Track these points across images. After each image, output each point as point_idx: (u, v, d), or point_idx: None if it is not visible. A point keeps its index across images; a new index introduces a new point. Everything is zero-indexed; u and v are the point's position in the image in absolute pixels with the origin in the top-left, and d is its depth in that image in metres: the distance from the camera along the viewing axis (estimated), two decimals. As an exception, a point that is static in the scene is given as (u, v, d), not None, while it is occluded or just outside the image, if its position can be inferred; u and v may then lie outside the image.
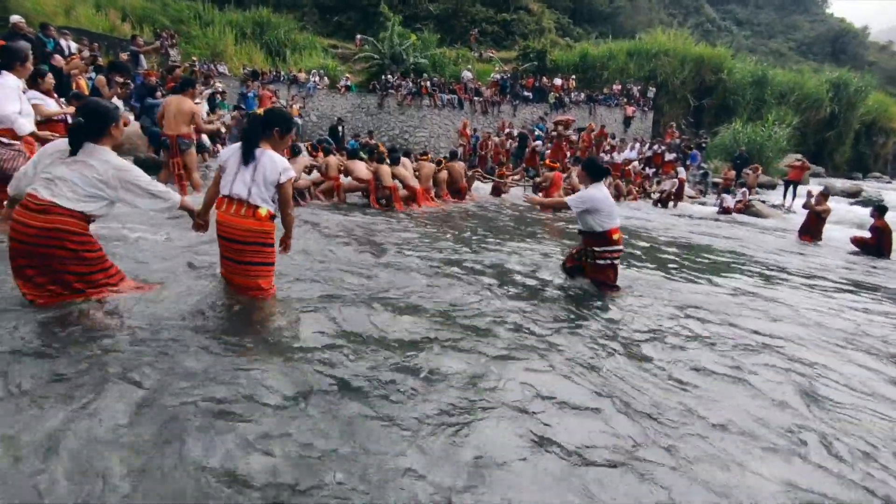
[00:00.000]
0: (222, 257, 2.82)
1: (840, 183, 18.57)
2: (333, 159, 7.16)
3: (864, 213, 12.70)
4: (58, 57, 6.76)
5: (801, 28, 64.45)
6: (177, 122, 5.58)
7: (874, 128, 27.53)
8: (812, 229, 7.59)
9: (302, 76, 20.39)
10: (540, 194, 8.60)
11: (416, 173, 7.85)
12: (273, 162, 2.63)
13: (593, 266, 3.75)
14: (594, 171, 3.73)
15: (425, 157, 8.41)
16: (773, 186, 16.99)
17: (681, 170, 11.63)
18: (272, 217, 2.69)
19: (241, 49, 23.86)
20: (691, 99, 22.80)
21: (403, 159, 7.64)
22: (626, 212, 9.74)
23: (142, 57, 8.26)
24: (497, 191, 10.00)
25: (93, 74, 6.94)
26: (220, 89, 10.52)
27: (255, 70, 19.87)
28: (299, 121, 17.01)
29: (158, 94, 6.68)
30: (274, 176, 2.62)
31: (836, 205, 15.12)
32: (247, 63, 22.05)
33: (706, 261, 5.65)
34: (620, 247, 3.72)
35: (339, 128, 14.75)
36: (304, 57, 24.28)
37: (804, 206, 7.76)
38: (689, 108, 22.93)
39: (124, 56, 9.54)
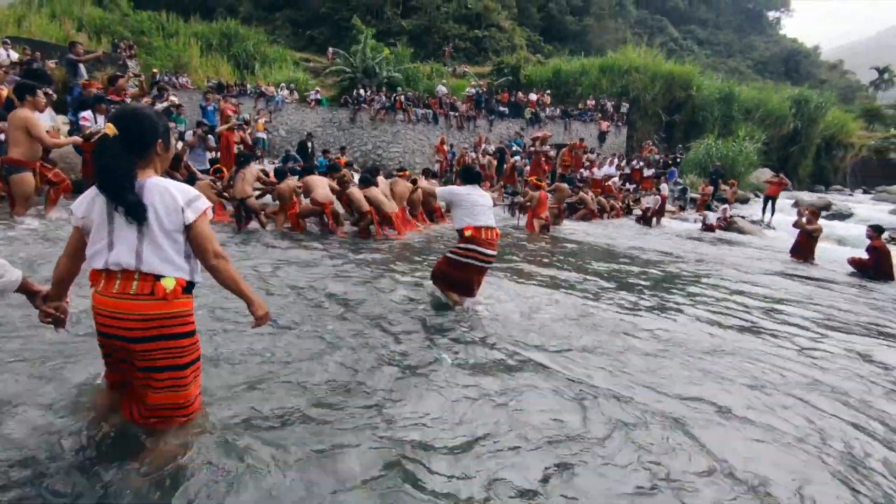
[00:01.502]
0: (108, 363, 1.79)
1: (808, 196, 18.95)
2: (286, 186, 6.24)
3: (840, 227, 12.87)
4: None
5: (757, 48, 67.70)
6: (8, 140, 4.50)
7: (833, 142, 28.62)
8: (804, 249, 7.39)
9: (270, 89, 19.65)
10: (526, 214, 8.13)
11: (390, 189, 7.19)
12: (168, 194, 1.63)
13: (445, 259, 3.71)
14: (467, 177, 3.89)
15: (403, 174, 7.68)
16: (745, 201, 17.15)
17: (663, 186, 11.46)
18: (188, 287, 1.69)
19: (207, 61, 23.00)
20: (663, 115, 23.14)
21: (379, 179, 6.89)
22: (609, 231, 9.41)
23: (81, 67, 7.43)
24: None
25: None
26: (176, 103, 9.73)
27: (220, 82, 19.05)
28: (265, 135, 16.24)
29: (103, 107, 5.91)
30: (175, 217, 1.62)
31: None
32: (212, 76, 21.19)
33: (705, 290, 5.25)
34: (480, 248, 3.60)
35: (309, 143, 14.07)
36: (273, 70, 23.59)
37: (795, 226, 7.57)
38: (660, 123, 23.26)
39: (51, 64, 8.66)
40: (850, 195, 24.63)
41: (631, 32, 53.95)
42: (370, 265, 4.83)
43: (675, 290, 4.96)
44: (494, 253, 3.72)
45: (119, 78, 6.88)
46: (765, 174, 21.36)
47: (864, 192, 26.80)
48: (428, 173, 8.40)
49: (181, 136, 7.42)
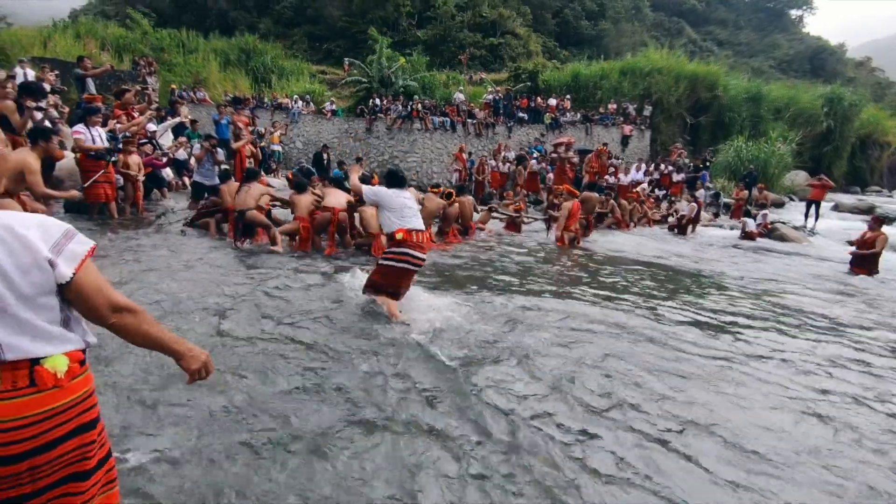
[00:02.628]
0: None
1: (847, 198, 17.95)
2: (305, 198, 5.73)
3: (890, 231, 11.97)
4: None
5: (780, 47, 66.00)
6: None
7: (868, 141, 27.34)
8: (867, 261, 6.70)
9: (286, 101, 19.61)
10: (554, 226, 7.63)
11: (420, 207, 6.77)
12: (18, 242, 1.09)
13: (378, 268, 3.65)
14: (392, 181, 3.89)
15: (436, 190, 7.24)
16: (781, 204, 16.29)
17: (700, 192, 10.80)
18: (83, 362, 1.22)
19: (226, 76, 23.26)
20: (687, 117, 22.35)
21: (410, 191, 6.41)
22: (645, 241, 8.82)
23: (89, 81, 7.27)
24: (513, 225, 8.92)
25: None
26: (188, 118, 9.58)
27: (236, 96, 19.11)
28: (280, 148, 16.11)
29: (95, 118, 5.69)
30: (37, 276, 1.10)
31: (851, 223, 14.46)
32: (230, 90, 21.33)
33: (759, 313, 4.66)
34: (412, 251, 3.54)
35: (325, 155, 13.83)
36: (290, 83, 23.68)
37: (852, 244, 6.82)
38: (685, 125, 22.47)
39: (51, 77, 8.49)
40: (889, 196, 23.42)
41: (648, 36, 53.15)
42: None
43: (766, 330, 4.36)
44: (425, 257, 3.69)
45: (126, 91, 6.69)
46: (799, 176, 20.41)
47: (907, 191, 25.54)
48: (462, 190, 7.95)
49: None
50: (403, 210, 3.66)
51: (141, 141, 7.44)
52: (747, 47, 64.13)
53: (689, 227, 10.18)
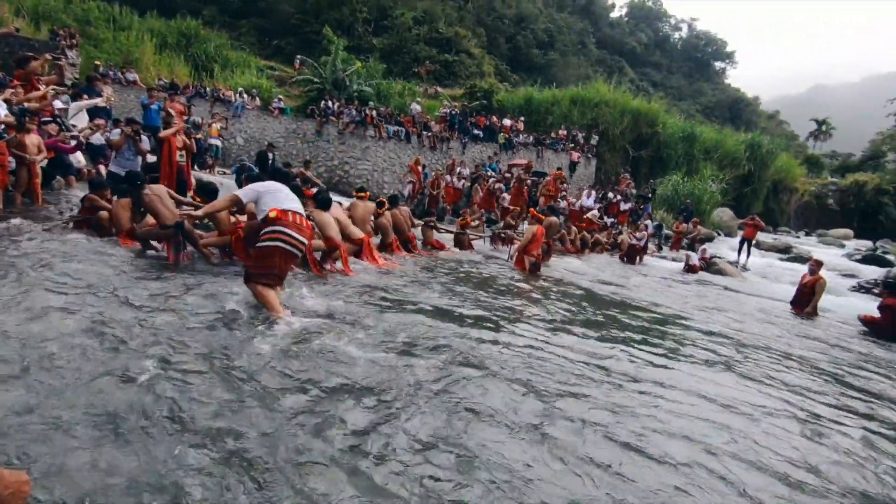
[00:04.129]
0: None
1: (765, 237, 19.50)
2: (329, 217, 5.20)
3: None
4: None
5: (705, 94, 72.58)
6: None
7: (780, 186, 30.30)
8: (804, 301, 7.03)
9: (228, 93, 18.28)
10: (510, 246, 7.38)
11: (348, 215, 6.06)
12: None
13: (254, 252, 3.46)
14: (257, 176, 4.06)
15: (363, 195, 6.60)
16: (711, 239, 17.33)
17: (649, 223, 11.12)
18: None
19: (162, 59, 21.39)
20: (630, 149, 23.52)
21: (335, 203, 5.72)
22: (600, 271, 8.81)
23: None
24: (460, 243, 8.53)
25: None
26: (111, 99, 8.40)
27: (173, 82, 17.57)
28: (219, 142, 14.85)
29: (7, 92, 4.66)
30: None
31: (773, 261, 15.68)
32: (165, 75, 19.60)
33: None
34: (288, 230, 3.38)
35: (270, 154, 12.82)
36: (235, 75, 22.22)
37: (802, 284, 7.13)
38: (627, 157, 23.61)
39: None
40: (796, 237, 25.89)
41: (592, 70, 56.23)
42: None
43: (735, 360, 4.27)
44: (303, 239, 3.48)
45: (30, 59, 5.59)
46: (725, 213, 22.00)
47: (807, 234, 28.41)
48: (395, 201, 7.26)
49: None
50: (277, 194, 3.57)
51: (44, 119, 6.31)
52: (678, 91, 69.77)
53: (638, 257, 10.41)
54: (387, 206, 6.77)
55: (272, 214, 3.40)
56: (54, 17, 20.04)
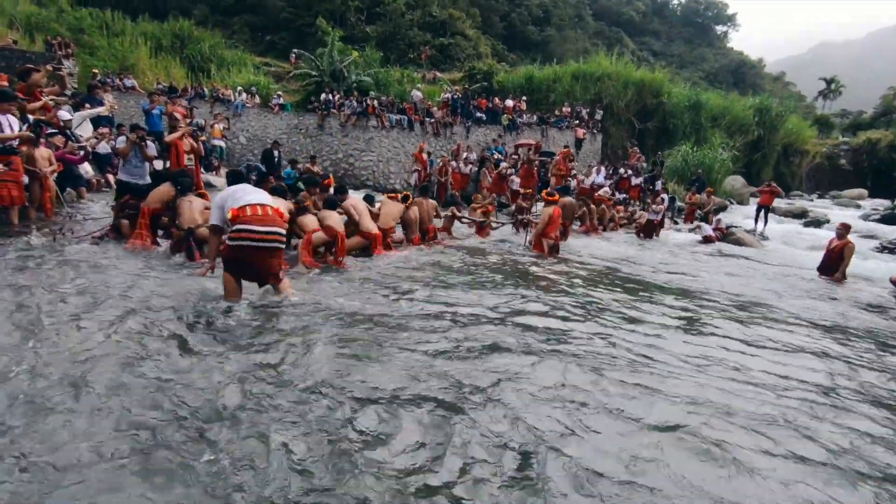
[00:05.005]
0: None
1: (782, 203, 19.13)
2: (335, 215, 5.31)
3: (825, 235, 12.73)
4: None
5: (707, 59, 71.01)
6: None
7: (790, 150, 29.68)
8: (833, 266, 6.86)
9: (228, 93, 18.12)
10: (529, 230, 7.27)
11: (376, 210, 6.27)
12: None
13: (224, 249, 3.48)
14: (233, 179, 3.98)
15: (393, 196, 6.75)
16: (724, 208, 17.05)
17: (665, 196, 10.90)
18: None
19: (158, 63, 21.22)
20: (636, 122, 23.08)
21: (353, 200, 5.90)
22: (620, 248, 8.67)
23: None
24: (481, 229, 8.47)
25: None
26: (114, 107, 8.32)
27: (171, 85, 17.44)
28: (222, 143, 14.77)
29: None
30: None
31: (790, 226, 15.38)
32: (163, 78, 19.46)
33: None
34: (249, 226, 3.34)
35: (275, 152, 12.75)
36: (232, 73, 22.02)
37: (830, 249, 6.95)
38: (633, 130, 23.19)
39: None
40: (809, 200, 25.44)
41: (590, 43, 55.17)
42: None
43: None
44: (271, 229, 3.41)
45: (33, 71, 5.52)
46: (737, 181, 21.62)
47: (819, 196, 27.89)
48: (425, 191, 7.43)
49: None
50: (234, 195, 3.53)
51: (50, 131, 6.25)
52: (679, 59, 68.32)
53: (655, 232, 10.25)
54: (411, 199, 6.76)
55: (229, 216, 3.41)
56: (48, 28, 19.91)
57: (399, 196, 6.80)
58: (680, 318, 4.15)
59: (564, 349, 3.08)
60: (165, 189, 4.96)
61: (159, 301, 3.40)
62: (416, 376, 2.52)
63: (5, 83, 5.25)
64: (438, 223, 7.73)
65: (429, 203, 7.22)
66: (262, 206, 3.49)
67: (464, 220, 8.48)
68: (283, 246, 3.69)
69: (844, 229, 6.91)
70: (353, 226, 5.69)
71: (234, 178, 3.99)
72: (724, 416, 2.35)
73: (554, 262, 6.36)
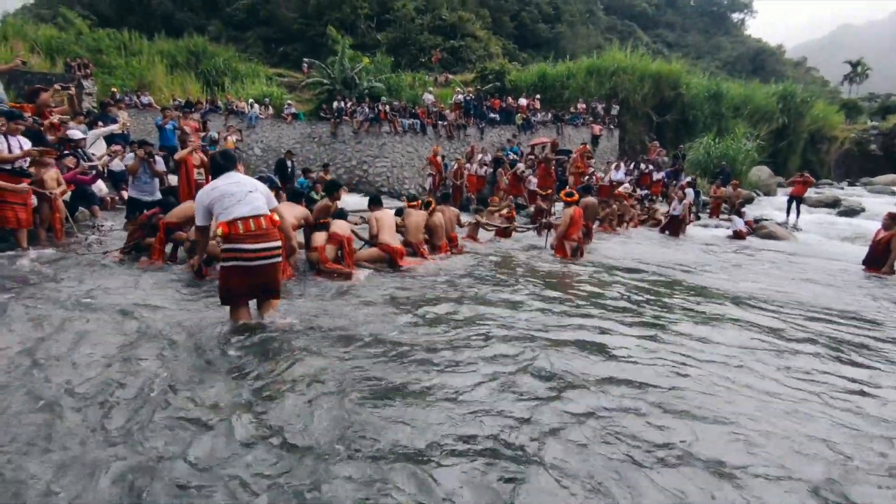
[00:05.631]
0: None
1: (811, 193, 18.35)
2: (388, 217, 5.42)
3: (861, 224, 12.08)
4: None
5: (724, 48, 69.34)
6: None
7: (818, 136, 28.57)
8: (880, 260, 6.40)
9: (241, 105, 18.27)
10: (552, 234, 6.97)
11: (401, 227, 6.02)
12: None
13: (220, 272, 3.15)
14: (216, 169, 3.34)
15: (414, 204, 6.54)
16: (751, 200, 16.42)
17: (689, 191, 10.46)
18: None
19: (174, 79, 21.63)
20: (653, 115, 22.48)
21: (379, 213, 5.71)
22: (643, 248, 8.30)
23: (-6, 83, 5.94)
24: (503, 232, 8.27)
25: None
26: (128, 124, 8.34)
27: (188, 101, 17.69)
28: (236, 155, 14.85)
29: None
30: None
31: (822, 216, 14.67)
32: (179, 94, 19.77)
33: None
34: (241, 245, 2.99)
35: (289, 162, 12.74)
36: (245, 86, 22.28)
37: (876, 241, 6.46)
38: (651, 124, 22.60)
39: None
40: (840, 188, 24.41)
41: (603, 38, 54.42)
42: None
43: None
44: (266, 246, 3.06)
45: (41, 92, 5.50)
46: (763, 172, 20.84)
47: (850, 183, 26.73)
48: (446, 199, 7.24)
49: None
50: (224, 199, 3.07)
51: (63, 153, 6.24)
52: (694, 49, 66.89)
53: (680, 229, 9.82)
54: (434, 205, 6.56)
55: (219, 231, 3.04)
56: (67, 50, 20.47)
57: (419, 203, 6.63)
58: (769, 338, 3.69)
59: (629, 392, 2.53)
60: (189, 205, 4.88)
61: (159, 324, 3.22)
62: (455, 422, 2.13)
63: (29, 112, 5.21)
64: (460, 231, 7.56)
65: (451, 211, 7.06)
66: (256, 218, 3.07)
67: (488, 227, 8.29)
68: (281, 259, 3.30)
69: (891, 219, 6.42)
70: (371, 237, 5.55)
71: (217, 168, 3.32)
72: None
73: (582, 268, 6.04)
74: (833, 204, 15.94)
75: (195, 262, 3.96)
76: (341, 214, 5.36)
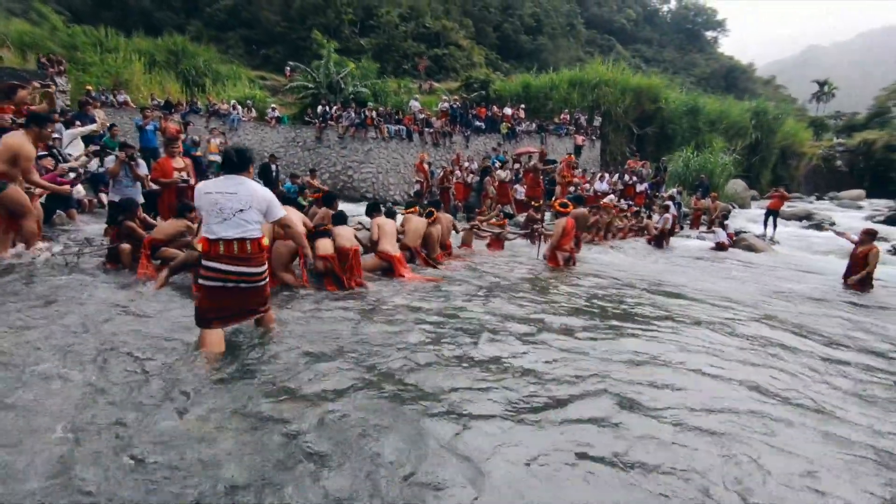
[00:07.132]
0: None
1: (784, 207, 19.00)
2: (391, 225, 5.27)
3: (830, 238, 12.51)
4: None
5: (698, 65, 71.60)
6: None
7: (788, 152, 29.70)
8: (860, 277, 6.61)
9: (224, 107, 17.91)
10: (545, 245, 7.00)
11: (400, 233, 5.94)
12: None
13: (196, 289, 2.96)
14: (225, 165, 3.06)
15: (413, 210, 6.46)
16: (728, 212, 16.87)
17: (669, 203, 10.69)
18: None
19: (152, 78, 21.04)
20: (634, 127, 23.01)
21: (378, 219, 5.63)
22: (632, 259, 8.41)
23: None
24: (497, 242, 8.22)
25: None
26: (106, 124, 8.05)
27: (167, 101, 17.25)
28: (219, 158, 14.51)
29: None
30: None
31: (793, 230, 15.18)
32: (157, 93, 19.26)
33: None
34: (218, 265, 2.80)
35: (273, 166, 12.49)
36: (227, 88, 21.87)
37: (854, 255, 6.69)
38: (632, 136, 23.11)
39: None
40: (809, 202, 25.37)
41: (583, 51, 55.55)
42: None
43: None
44: (245, 270, 2.86)
45: (18, 88, 5.24)
46: (738, 185, 21.49)
47: (818, 198, 27.84)
48: (438, 205, 7.11)
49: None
50: (213, 210, 2.85)
51: (40, 153, 5.96)
52: (671, 65, 68.87)
53: (665, 240, 10.02)
54: (435, 215, 6.48)
55: (199, 248, 2.89)
56: (41, 46, 19.72)
57: (417, 210, 6.56)
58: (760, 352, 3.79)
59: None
60: (174, 223, 4.73)
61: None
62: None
63: (7, 115, 4.92)
64: (455, 239, 7.51)
65: (446, 218, 6.98)
66: (241, 241, 2.85)
67: (482, 233, 8.24)
68: (261, 284, 3.02)
69: (867, 235, 6.65)
70: (371, 244, 5.43)
71: (228, 165, 2.97)
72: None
73: (578, 277, 6.06)
74: (805, 217, 16.53)
75: (164, 276, 3.81)
76: (341, 219, 5.21)
